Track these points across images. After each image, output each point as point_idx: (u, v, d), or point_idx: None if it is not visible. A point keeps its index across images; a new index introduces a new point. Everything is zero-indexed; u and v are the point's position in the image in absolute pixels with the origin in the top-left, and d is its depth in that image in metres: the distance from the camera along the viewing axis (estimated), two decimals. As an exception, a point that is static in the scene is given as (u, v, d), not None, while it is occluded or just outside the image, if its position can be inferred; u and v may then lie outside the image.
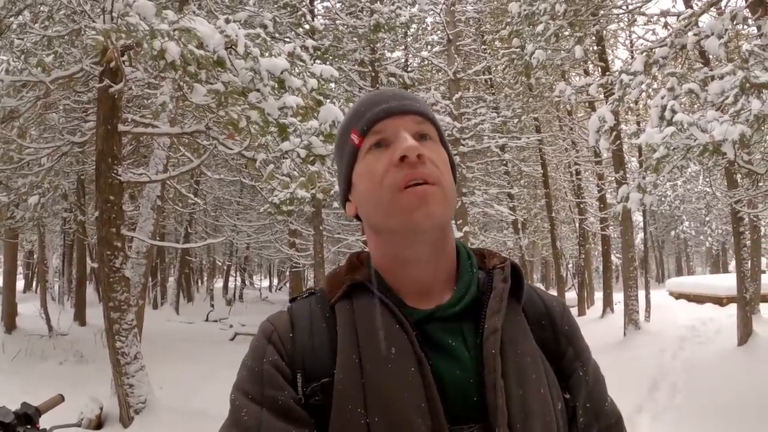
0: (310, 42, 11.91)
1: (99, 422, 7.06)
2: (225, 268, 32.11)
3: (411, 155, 0.91)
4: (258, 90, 5.45)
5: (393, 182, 0.91)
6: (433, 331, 0.92)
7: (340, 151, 1.04)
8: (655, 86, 7.98)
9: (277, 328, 0.96)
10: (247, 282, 36.47)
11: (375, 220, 0.97)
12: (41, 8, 7.42)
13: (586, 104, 17.95)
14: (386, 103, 0.98)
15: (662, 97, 6.37)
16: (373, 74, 15.26)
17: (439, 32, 17.92)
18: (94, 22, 5.65)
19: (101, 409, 7.13)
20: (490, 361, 0.89)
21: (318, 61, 8.54)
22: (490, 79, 18.31)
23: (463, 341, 0.92)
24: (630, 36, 17.03)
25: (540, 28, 9.35)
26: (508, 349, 0.92)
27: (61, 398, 2.55)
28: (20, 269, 27.47)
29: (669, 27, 9.96)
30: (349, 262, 1.02)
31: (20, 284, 25.48)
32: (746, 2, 7.27)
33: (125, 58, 5.93)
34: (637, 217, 21.98)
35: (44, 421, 2.41)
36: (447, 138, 1.03)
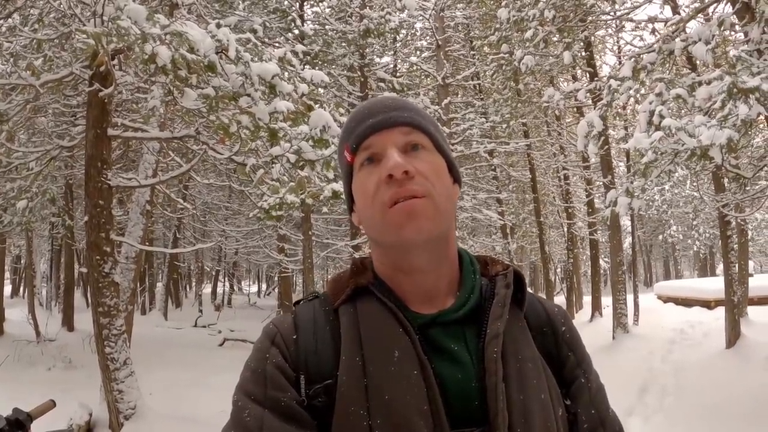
0: (299, 47, 11.90)
1: (88, 428, 7.00)
2: (213, 273, 31.94)
3: (396, 173, 0.91)
4: (248, 95, 5.44)
5: (382, 200, 0.92)
6: (436, 335, 0.93)
7: (340, 164, 1.06)
8: (643, 91, 8.04)
9: (281, 331, 0.96)
10: (235, 287, 36.24)
11: (372, 234, 0.99)
12: (31, 11, 7.38)
13: (575, 109, 18.06)
14: (373, 118, 0.98)
15: (650, 103, 6.44)
16: (362, 79, 15.27)
17: (428, 38, 17.97)
18: (84, 25, 5.62)
19: (90, 415, 7.06)
20: (492, 365, 0.90)
21: (308, 66, 8.56)
22: (479, 84, 18.36)
23: (465, 346, 0.93)
24: (618, 42, 17.11)
25: (529, 34, 9.42)
26: (510, 354, 0.93)
27: (52, 404, 2.53)
28: (7, 274, 27.21)
29: (657, 33, 10.08)
30: (353, 267, 1.03)
31: (7, 289, 25.31)
32: (733, 8, 7.34)
33: (115, 62, 5.91)
34: (625, 222, 22.09)
35: (35, 427, 2.39)
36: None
